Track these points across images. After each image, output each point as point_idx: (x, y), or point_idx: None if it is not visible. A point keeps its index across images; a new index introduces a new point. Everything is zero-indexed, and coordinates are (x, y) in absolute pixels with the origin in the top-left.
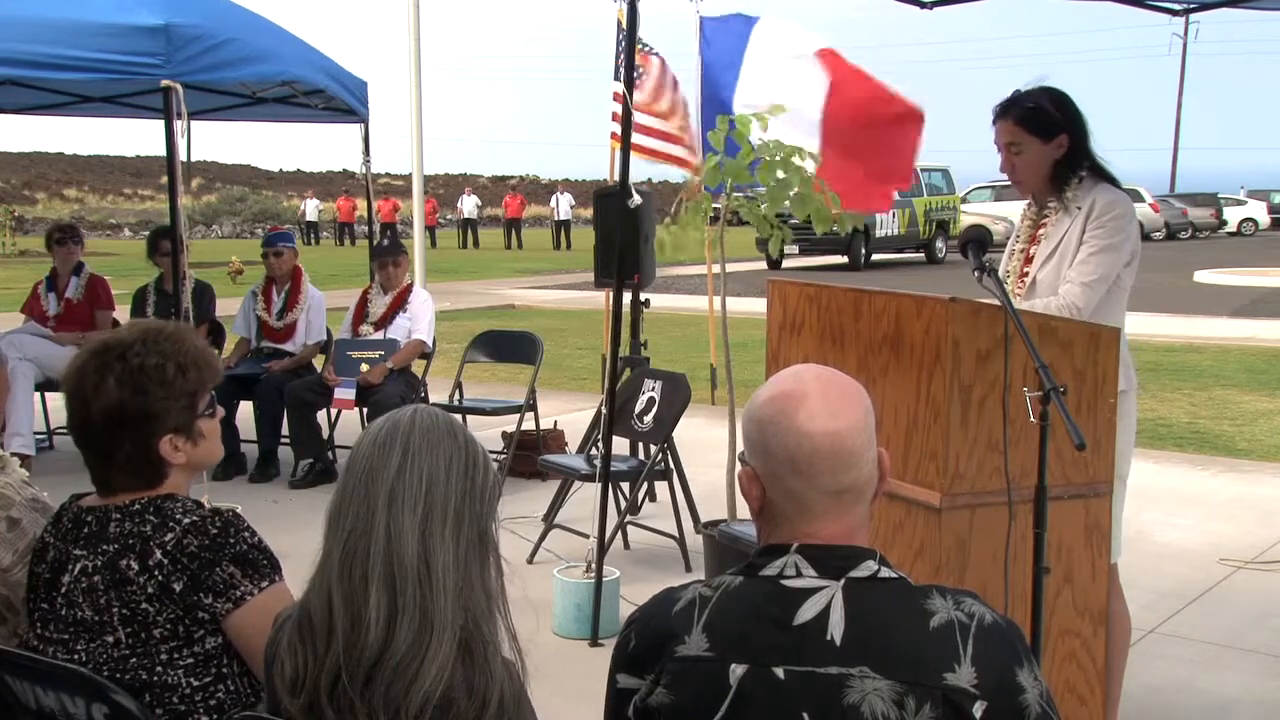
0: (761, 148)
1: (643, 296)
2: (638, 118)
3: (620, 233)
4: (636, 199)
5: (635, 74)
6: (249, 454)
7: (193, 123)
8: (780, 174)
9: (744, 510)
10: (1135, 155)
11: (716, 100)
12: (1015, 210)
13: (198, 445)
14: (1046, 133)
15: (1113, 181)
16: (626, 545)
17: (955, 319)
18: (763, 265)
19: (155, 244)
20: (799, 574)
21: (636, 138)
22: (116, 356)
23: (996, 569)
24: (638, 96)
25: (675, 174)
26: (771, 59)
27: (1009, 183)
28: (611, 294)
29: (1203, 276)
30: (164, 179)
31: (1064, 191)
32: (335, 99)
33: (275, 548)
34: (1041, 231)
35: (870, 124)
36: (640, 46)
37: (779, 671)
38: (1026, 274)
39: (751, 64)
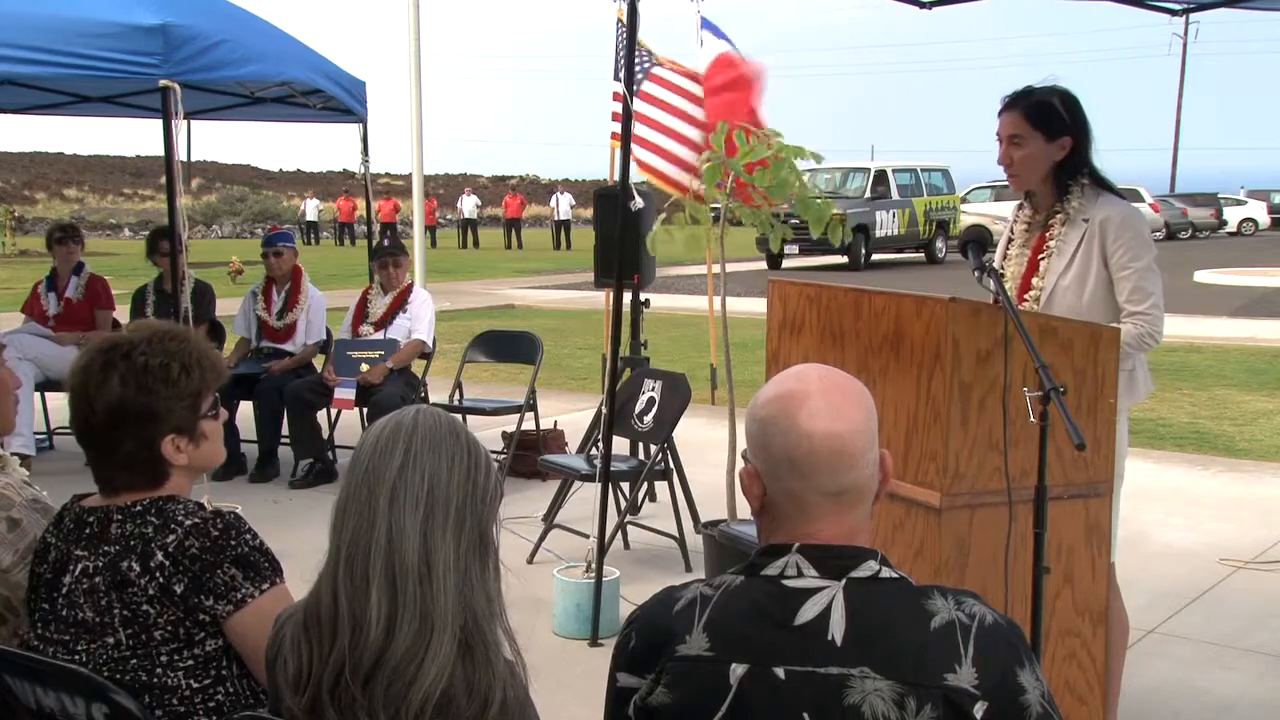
0: (760, 149)
1: (643, 296)
2: (644, 132)
3: (620, 233)
4: (638, 201)
5: (636, 80)
6: (249, 454)
7: (192, 122)
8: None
9: (744, 510)
10: (1135, 155)
11: None
12: None
13: (200, 447)
14: (1052, 131)
15: (1113, 191)
16: (626, 545)
17: (955, 319)
18: (763, 265)
19: (155, 244)
20: (800, 574)
21: (639, 152)
22: (122, 355)
23: (996, 569)
24: (649, 109)
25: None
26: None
27: (1007, 181)
28: (611, 294)
29: (1203, 276)
30: (164, 179)
31: (1068, 198)
32: (333, 99)
33: (275, 548)
34: (1051, 242)
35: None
36: (651, 65)
37: (779, 672)
38: (1033, 284)
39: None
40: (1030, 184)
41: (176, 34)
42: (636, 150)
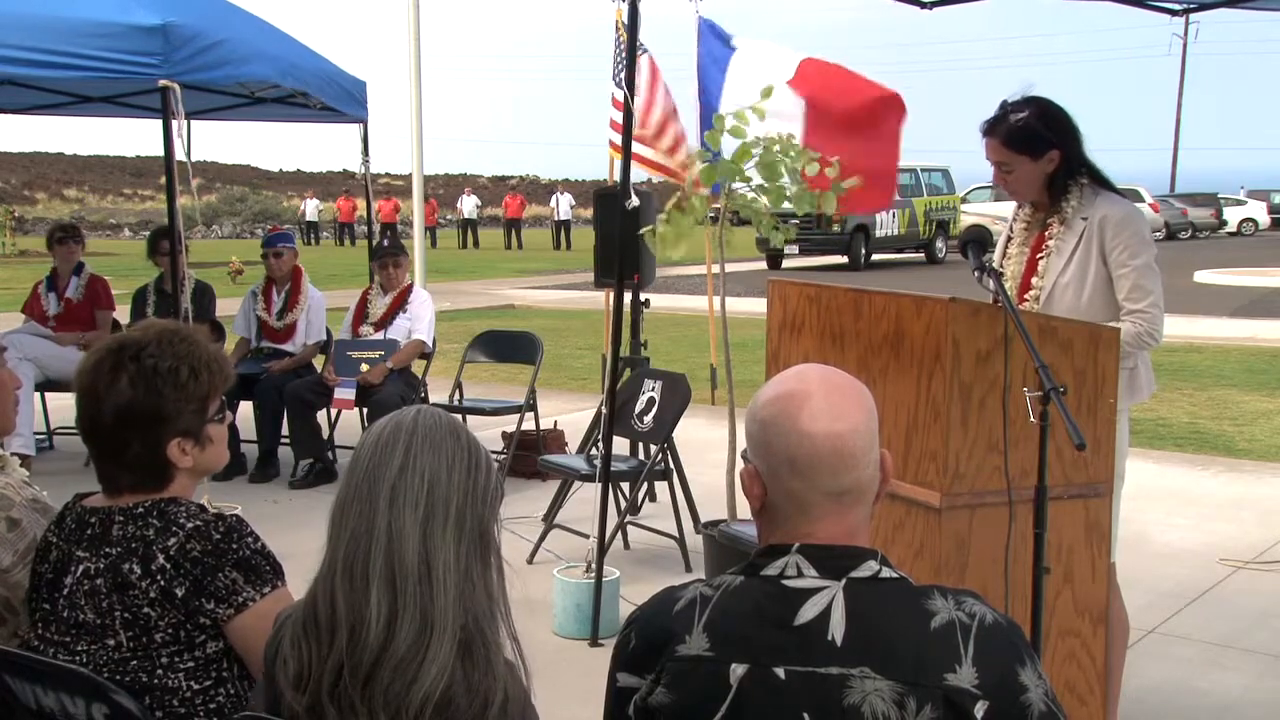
0: (768, 143)
1: (643, 296)
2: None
3: (620, 233)
4: (634, 200)
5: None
6: (249, 454)
7: (192, 122)
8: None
9: (744, 510)
10: (1135, 155)
11: (710, 103)
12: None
13: (205, 450)
14: (1035, 150)
15: (1110, 187)
16: (626, 545)
17: (955, 319)
18: (763, 265)
19: (155, 244)
20: (800, 574)
21: (639, 148)
22: (131, 357)
23: (996, 569)
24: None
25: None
26: (752, 79)
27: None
28: (611, 294)
29: (1203, 276)
30: (164, 179)
31: (1066, 199)
32: (334, 99)
33: (275, 548)
34: (1050, 241)
35: (851, 113)
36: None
37: (779, 671)
38: (1033, 283)
39: (734, 83)
40: (1030, 198)
41: (176, 34)
42: (636, 147)
